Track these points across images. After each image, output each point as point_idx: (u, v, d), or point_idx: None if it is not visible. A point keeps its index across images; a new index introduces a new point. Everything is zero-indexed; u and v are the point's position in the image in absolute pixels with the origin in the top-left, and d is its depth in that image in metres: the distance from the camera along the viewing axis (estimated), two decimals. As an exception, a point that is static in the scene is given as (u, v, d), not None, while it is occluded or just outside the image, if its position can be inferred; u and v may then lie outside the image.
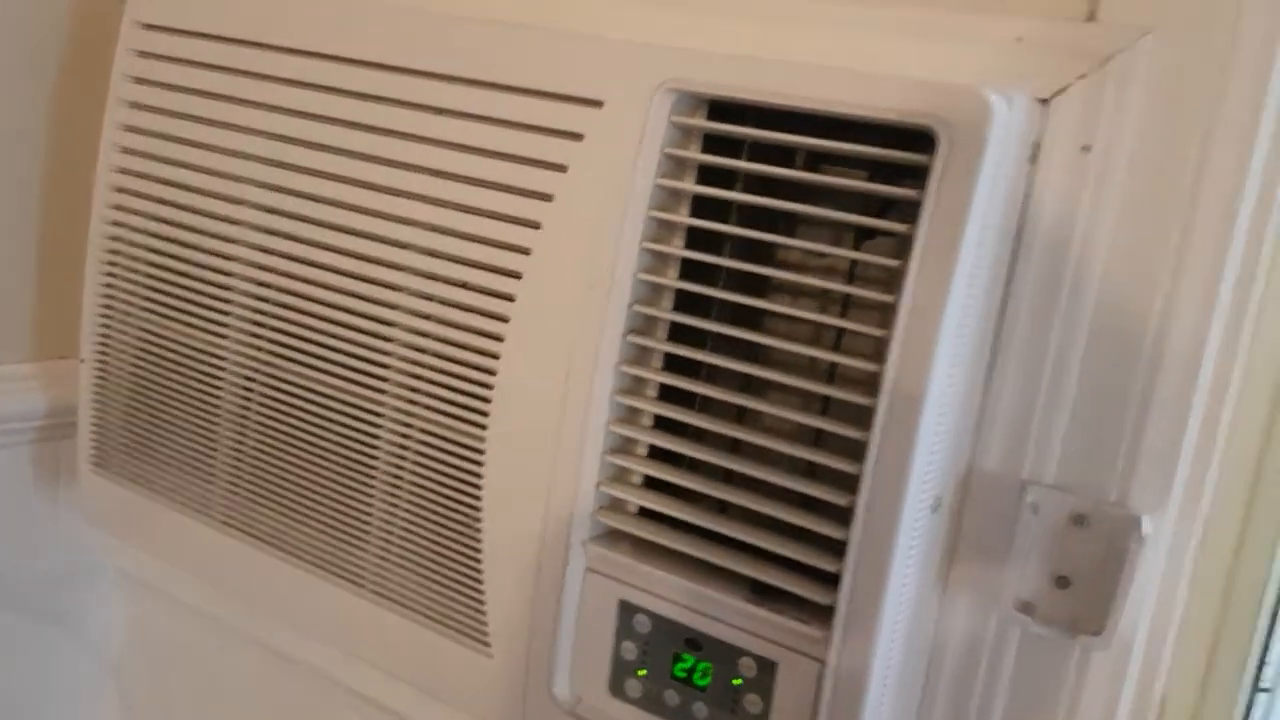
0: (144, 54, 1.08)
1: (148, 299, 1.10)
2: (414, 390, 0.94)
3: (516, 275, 0.87)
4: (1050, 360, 0.77)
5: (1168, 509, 0.76)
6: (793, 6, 0.86)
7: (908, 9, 0.82)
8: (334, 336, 0.98)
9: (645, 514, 0.86)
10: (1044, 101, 0.77)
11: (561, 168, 0.85)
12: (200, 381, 1.08)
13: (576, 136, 0.84)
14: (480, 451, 0.91)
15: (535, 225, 0.86)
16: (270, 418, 1.04)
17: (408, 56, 0.92)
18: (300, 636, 1.18)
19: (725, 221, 0.82)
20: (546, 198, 0.86)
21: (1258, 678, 0.85)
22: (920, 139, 0.72)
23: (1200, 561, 0.80)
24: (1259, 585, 0.82)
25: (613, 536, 0.87)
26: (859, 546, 0.74)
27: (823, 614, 0.77)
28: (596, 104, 0.83)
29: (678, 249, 0.82)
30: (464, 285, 0.90)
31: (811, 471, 0.82)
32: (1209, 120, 0.73)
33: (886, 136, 0.74)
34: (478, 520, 0.91)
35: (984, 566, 0.80)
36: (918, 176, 0.73)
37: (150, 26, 1.08)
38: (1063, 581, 0.78)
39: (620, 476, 0.87)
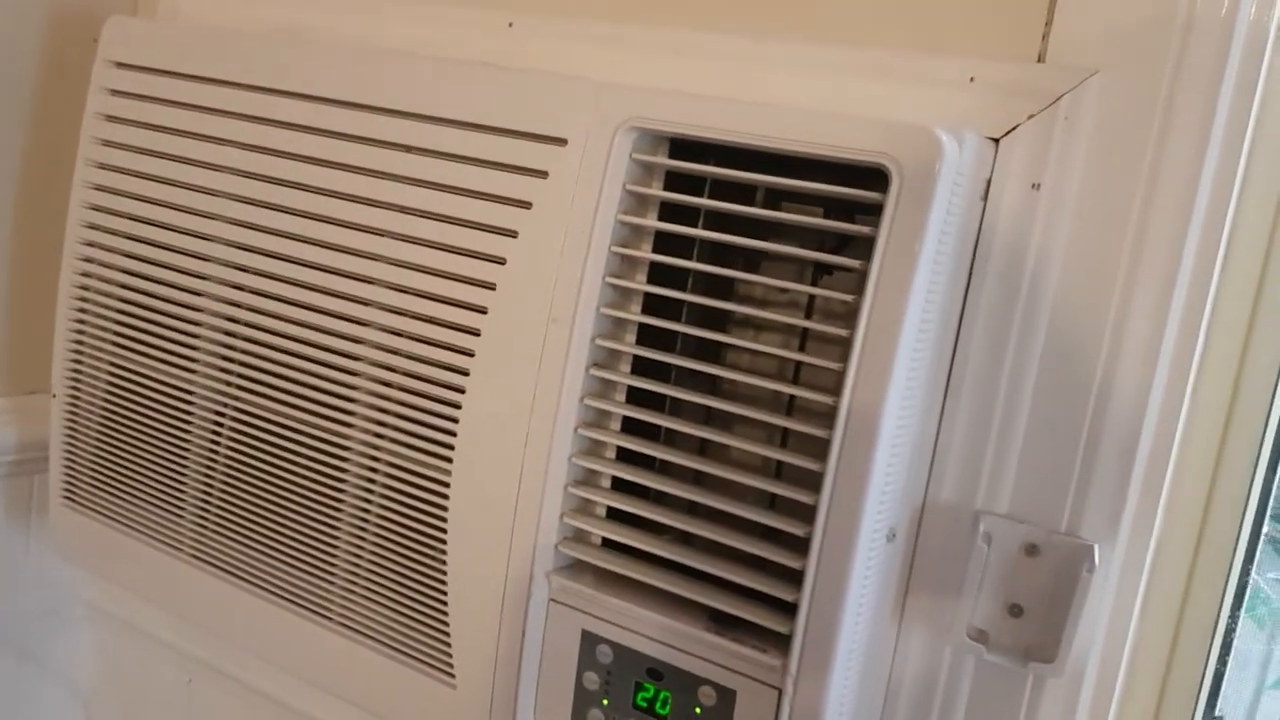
0: (116, 92, 1.09)
1: (118, 334, 1.11)
2: (380, 424, 0.95)
3: (482, 310, 0.89)
4: (1003, 392, 0.79)
5: (1118, 538, 0.77)
6: (752, 48, 0.88)
7: (866, 50, 0.84)
8: (302, 371, 0.99)
9: (608, 545, 0.87)
10: (995, 140, 0.79)
11: (526, 204, 0.86)
12: (170, 416, 1.09)
13: (541, 174, 0.86)
14: (445, 484, 0.92)
15: (500, 261, 0.88)
16: (238, 452, 1.05)
17: (375, 94, 0.93)
18: (270, 669, 1.18)
19: (689, 257, 0.83)
20: (511, 234, 0.87)
21: (1211, 706, 0.87)
22: (875, 176, 0.74)
23: (1152, 590, 0.82)
24: (1211, 614, 0.84)
25: (576, 568, 0.88)
26: (816, 576, 0.75)
27: (781, 643, 0.78)
28: (560, 142, 0.85)
29: (640, 284, 0.84)
30: (429, 320, 0.91)
31: (773, 503, 0.83)
32: (1154, 157, 0.75)
33: (843, 174, 0.76)
34: (443, 552, 0.92)
35: (939, 595, 0.81)
36: (874, 213, 0.74)
37: (122, 65, 1.09)
38: (1016, 610, 0.79)
39: (584, 508, 0.88)
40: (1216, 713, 0.88)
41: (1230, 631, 0.86)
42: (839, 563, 0.75)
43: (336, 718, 1.14)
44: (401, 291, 0.93)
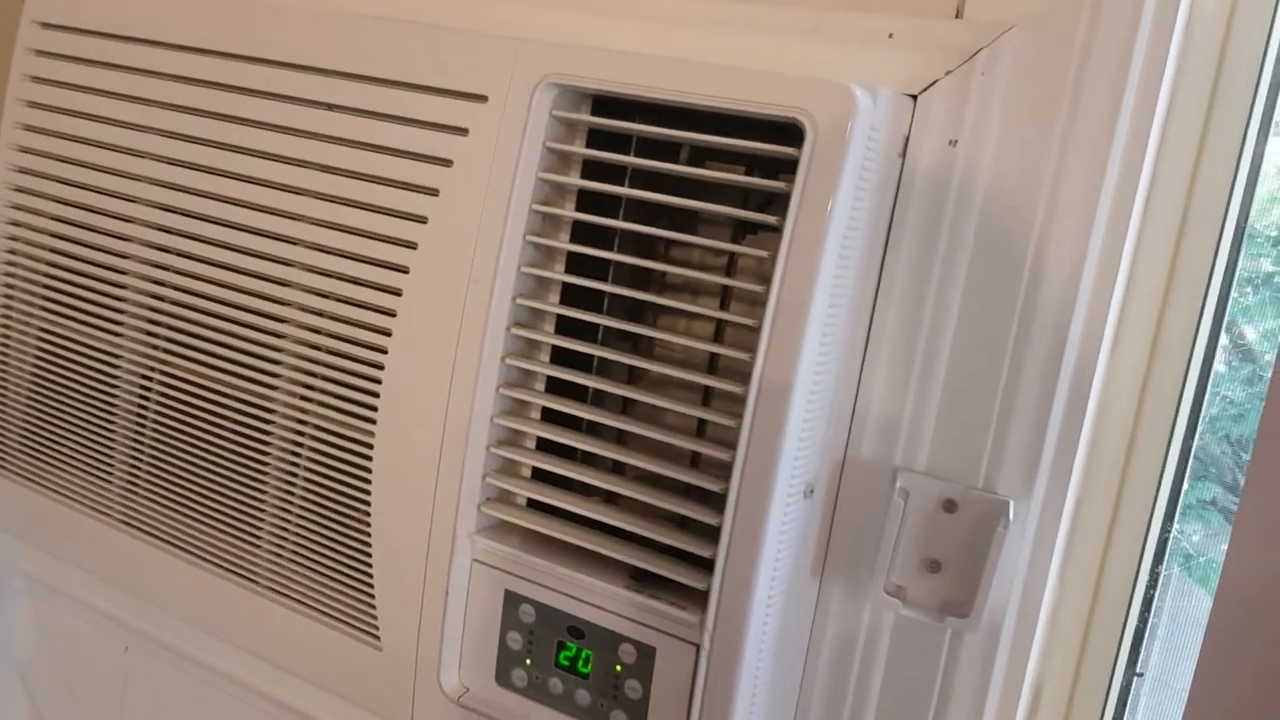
0: (42, 53, 1.08)
1: (47, 299, 1.10)
2: (306, 387, 0.94)
3: (404, 270, 0.88)
4: (921, 350, 0.79)
5: (1034, 494, 0.77)
6: (673, 5, 0.87)
7: (787, 8, 0.84)
8: (227, 335, 0.98)
9: (533, 505, 0.87)
10: (913, 97, 0.79)
11: (447, 162, 0.86)
12: (98, 381, 1.07)
13: (461, 131, 0.85)
14: (370, 447, 0.91)
15: (422, 220, 0.87)
16: (166, 417, 1.04)
17: (298, 52, 0.92)
18: (206, 637, 1.18)
19: (615, 216, 0.83)
20: (432, 192, 0.86)
21: (1133, 661, 0.87)
22: (795, 133, 0.74)
23: (1073, 546, 0.82)
24: (1131, 570, 0.84)
25: (500, 528, 0.88)
26: (732, 531, 0.75)
27: (699, 599, 0.78)
28: (481, 99, 0.84)
29: (562, 243, 0.83)
30: (352, 280, 0.90)
31: (695, 463, 0.83)
32: (1070, 111, 0.75)
33: (766, 131, 0.76)
34: (367, 515, 0.92)
35: (858, 552, 0.82)
36: (795, 170, 0.74)
37: (49, 25, 1.08)
38: (933, 565, 0.79)
39: (508, 469, 0.87)
40: (1139, 669, 0.88)
41: (1151, 589, 0.87)
42: (754, 518, 0.75)
43: (269, 683, 1.13)
44: (324, 252, 0.92)
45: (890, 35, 0.79)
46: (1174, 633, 0.90)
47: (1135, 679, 0.89)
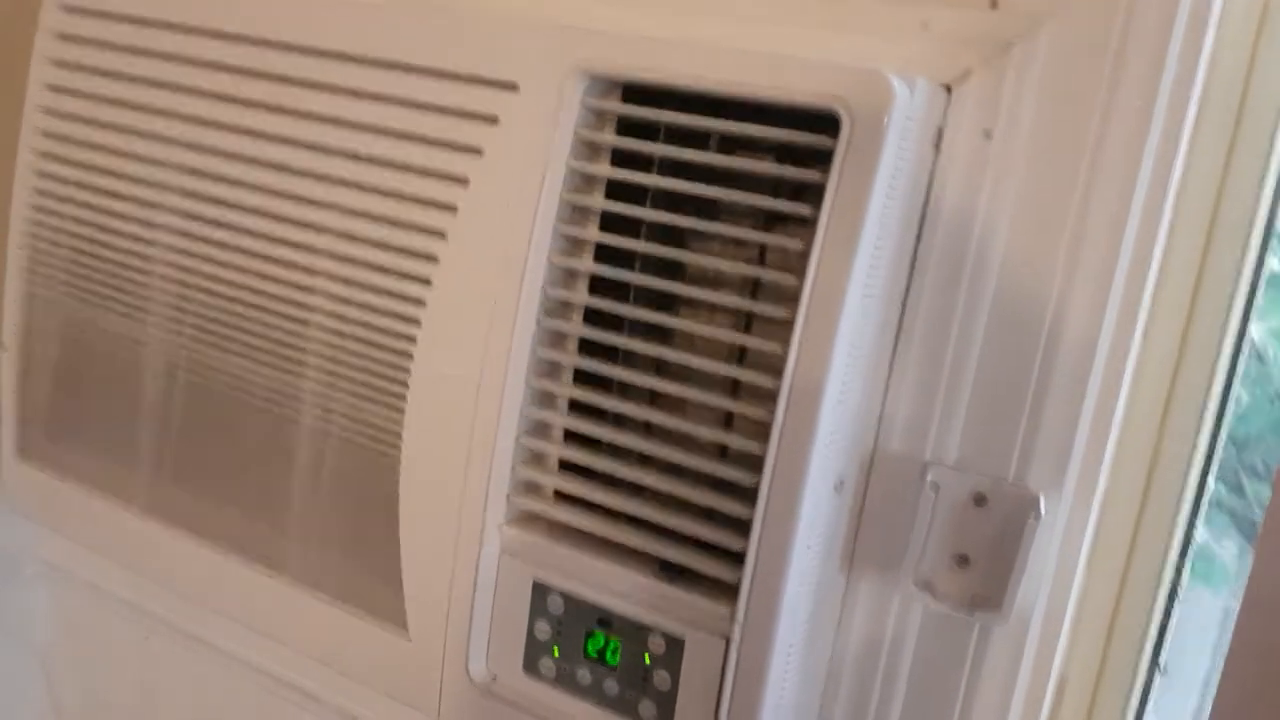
0: (65, 37, 1.08)
1: (71, 285, 1.10)
2: (333, 375, 0.94)
3: (433, 259, 0.88)
4: (952, 343, 0.79)
5: (1064, 488, 0.77)
6: (706, -5, 0.87)
7: (820, -3, 0.84)
8: (255, 322, 0.98)
9: (560, 496, 0.87)
10: (948, 88, 0.78)
11: (477, 151, 0.85)
12: (124, 368, 1.07)
13: (492, 120, 0.85)
14: (398, 436, 0.91)
15: (451, 209, 0.87)
16: (193, 404, 1.04)
17: (326, 39, 0.92)
18: (228, 625, 1.18)
19: (642, 206, 0.83)
20: (463, 181, 0.86)
21: (1155, 657, 0.87)
22: (829, 123, 0.74)
23: (1099, 542, 0.82)
24: (1156, 566, 0.84)
25: (528, 519, 0.88)
26: (763, 524, 0.75)
27: (729, 592, 0.78)
28: (512, 87, 0.84)
29: (592, 233, 0.83)
30: (381, 269, 0.90)
31: (724, 455, 0.83)
32: (1105, 105, 0.74)
33: (798, 121, 0.75)
34: (395, 504, 0.92)
35: (887, 545, 0.81)
36: (829, 160, 0.74)
37: (72, 9, 1.07)
38: (963, 560, 0.79)
39: (536, 460, 0.87)
40: (1161, 663, 0.88)
41: (1175, 584, 0.87)
42: (785, 511, 0.75)
43: (294, 672, 1.13)
44: (353, 240, 0.92)
45: (925, 25, 0.79)
46: (1178, 627, 0.90)
47: (1157, 673, 0.89)
